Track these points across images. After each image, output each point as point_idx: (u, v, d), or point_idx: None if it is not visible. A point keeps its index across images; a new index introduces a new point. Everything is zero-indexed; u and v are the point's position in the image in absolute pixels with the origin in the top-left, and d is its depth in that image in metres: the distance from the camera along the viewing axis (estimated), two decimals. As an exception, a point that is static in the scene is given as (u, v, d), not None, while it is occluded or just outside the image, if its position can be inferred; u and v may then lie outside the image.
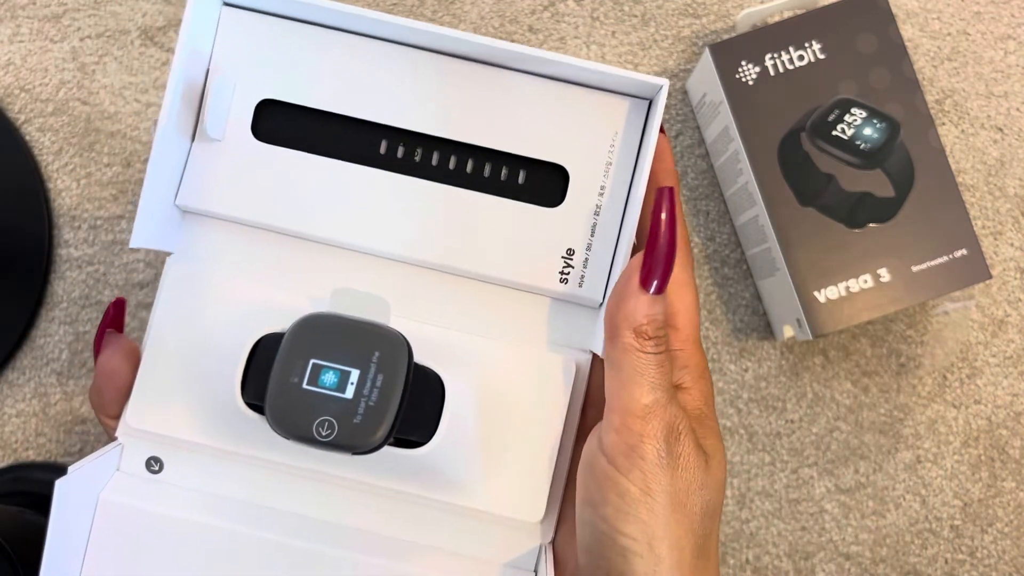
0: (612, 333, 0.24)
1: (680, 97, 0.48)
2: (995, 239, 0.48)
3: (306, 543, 0.26)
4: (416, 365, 0.25)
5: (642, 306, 0.24)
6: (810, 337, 0.42)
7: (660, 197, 0.24)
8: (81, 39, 0.48)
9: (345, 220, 0.27)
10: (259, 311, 0.26)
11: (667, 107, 0.48)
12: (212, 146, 0.27)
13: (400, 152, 0.27)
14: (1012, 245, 0.48)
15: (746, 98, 0.43)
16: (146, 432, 0.27)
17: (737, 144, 0.43)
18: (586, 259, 0.27)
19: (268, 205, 0.27)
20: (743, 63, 0.43)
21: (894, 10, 0.46)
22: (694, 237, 0.48)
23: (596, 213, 0.27)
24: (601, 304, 0.27)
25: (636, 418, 0.23)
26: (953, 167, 0.48)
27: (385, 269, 0.28)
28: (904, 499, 0.47)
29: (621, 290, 0.24)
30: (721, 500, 0.25)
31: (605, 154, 0.27)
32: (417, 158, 0.27)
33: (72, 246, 0.47)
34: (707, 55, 0.43)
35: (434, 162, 0.27)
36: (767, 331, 0.47)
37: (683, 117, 0.48)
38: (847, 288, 0.42)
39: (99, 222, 0.47)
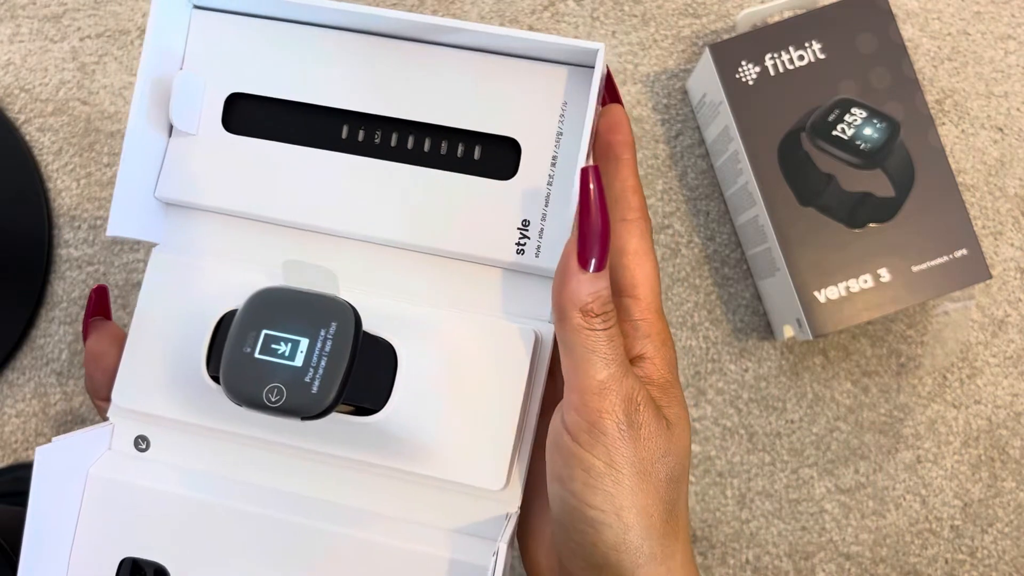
0: (560, 315, 0.25)
1: (680, 97, 0.48)
2: (995, 239, 0.48)
3: (281, 515, 0.27)
4: (368, 334, 0.26)
5: (584, 285, 0.24)
6: (810, 337, 0.42)
7: (584, 177, 0.24)
8: (81, 39, 0.48)
9: (312, 205, 0.28)
10: (230, 292, 0.27)
11: (668, 107, 0.48)
12: (187, 140, 0.29)
13: (361, 135, 0.28)
14: (1012, 245, 0.48)
15: (746, 98, 0.43)
16: (132, 411, 0.28)
17: (737, 144, 0.43)
18: (541, 230, 0.27)
19: (241, 194, 0.29)
20: (743, 63, 0.43)
21: (894, 10, 0.46)
22: (694, 237, 0.48)
23: (549, 184, 0.27)
24: None
25: (593, 395, 0.24)
26: (953, 167, 0.48)
27: (356, 249, 0.29)
28: (904, 499, 0.47)
29: (562, 272, 0.25)
30: (687, 466, 0.26)
31: (555, 125, 0.27)
32: (377, 140, 0.28)
33: (72, 246, 0.47)
34: (707, 55, 0.43)
35: (393, 143, 0.28)
36: (767, 331, 0.47)
37: (683, 117, 0.48)
38: (847, 288, 0.42)
39: (99, 222, 0.47)
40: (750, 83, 0.43)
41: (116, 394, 0.28)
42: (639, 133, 0.48)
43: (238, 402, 0.24)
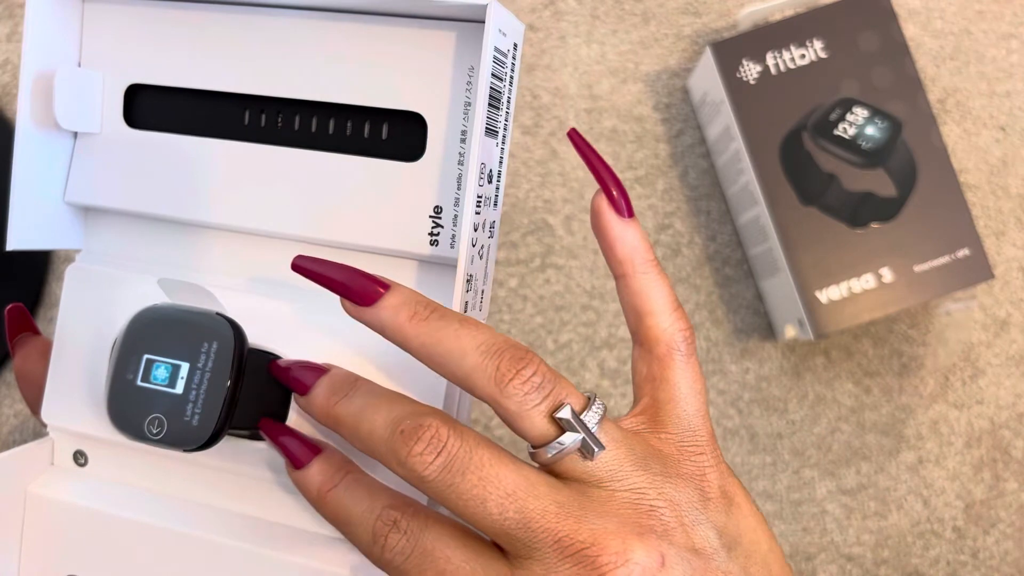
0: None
1: (681, 96, 0.48)
2: (997, 239, 0.48)
3: (211, 535, 0.25)
4: (258, 351, 0.24)
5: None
6: (812, 337, 0.42)
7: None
8: (80, 38, 0.48)
9: (219, 201, 0.26)
10: (144, 305, 0.26)
11: (668, 106, 0.48)
12: (92, 139, 0.27)
13: (263, 120, 0.26)
14: (1015, 245, 0.48)
15: (748, 97, 0.43)
16: (62, 429, 0.27)
17: (739, 143, 0.43)
18: (455, 216, 0.25)
19: (150, 194, 0.27)
20: (745, 62, 0.43)
21: (896, 8, 0.46)
22: (695, 237, 0.47)
23: (460, 163, 0.24)
24: None
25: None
26: (955, 166, 0.47)
27: (259, 246, 0.27)
28: (906, 500, 0.46)
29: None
30: None
31: (462, 94, 0.24)
32: (279, 124, 0.26)
33: (70, 246, 0.47)
34: (708, 54, 0.43)
35: (296, 126, 0.26)
36: (769, 331, 0.47)
37: (684, 116, 0.48)
38: (849, 288, 0.42)
39: (98, 222, 0.47)
40: (752, 82, 0.43)
41: (45, 414, 0.27)
42: (640, 132, 0.48)
43: (124, 434, 0.23)
